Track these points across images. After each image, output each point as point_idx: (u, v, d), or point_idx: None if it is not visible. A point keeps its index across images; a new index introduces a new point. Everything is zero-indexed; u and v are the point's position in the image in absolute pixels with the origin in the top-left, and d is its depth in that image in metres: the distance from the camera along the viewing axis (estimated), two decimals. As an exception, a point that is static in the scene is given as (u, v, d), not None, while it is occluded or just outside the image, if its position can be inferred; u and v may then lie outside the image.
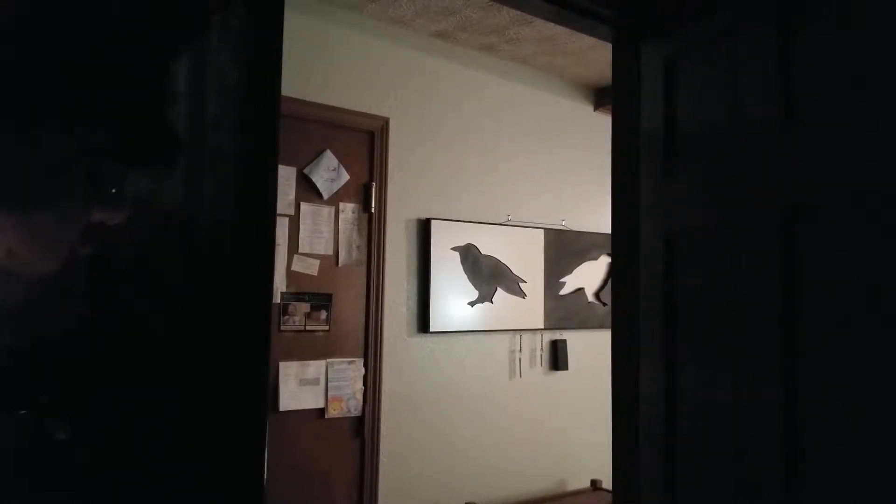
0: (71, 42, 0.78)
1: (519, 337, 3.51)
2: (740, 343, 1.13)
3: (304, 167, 2.83)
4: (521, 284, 3.49)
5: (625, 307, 1.48)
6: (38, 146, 0.80)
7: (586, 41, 3.16)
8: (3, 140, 0.77)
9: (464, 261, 3.26)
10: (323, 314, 2.83)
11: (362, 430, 2.92)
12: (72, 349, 0.87)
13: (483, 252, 3.34)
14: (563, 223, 3.72)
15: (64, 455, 0.86)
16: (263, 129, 0.98)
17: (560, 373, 3.66)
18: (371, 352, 2.95)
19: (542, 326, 3.58)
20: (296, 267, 2.78)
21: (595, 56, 3.41)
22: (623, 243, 1.49)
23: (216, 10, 0.94)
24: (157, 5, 0.87)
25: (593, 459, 3.70)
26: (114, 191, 0.85)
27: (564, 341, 3.68)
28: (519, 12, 2.74)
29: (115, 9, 0.83)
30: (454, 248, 3.24)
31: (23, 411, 0.84)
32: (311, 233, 2.83)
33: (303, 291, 2.79)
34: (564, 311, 3.68)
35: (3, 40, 0.74)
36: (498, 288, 3.39)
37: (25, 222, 0.83)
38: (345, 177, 2.92)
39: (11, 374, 0.84)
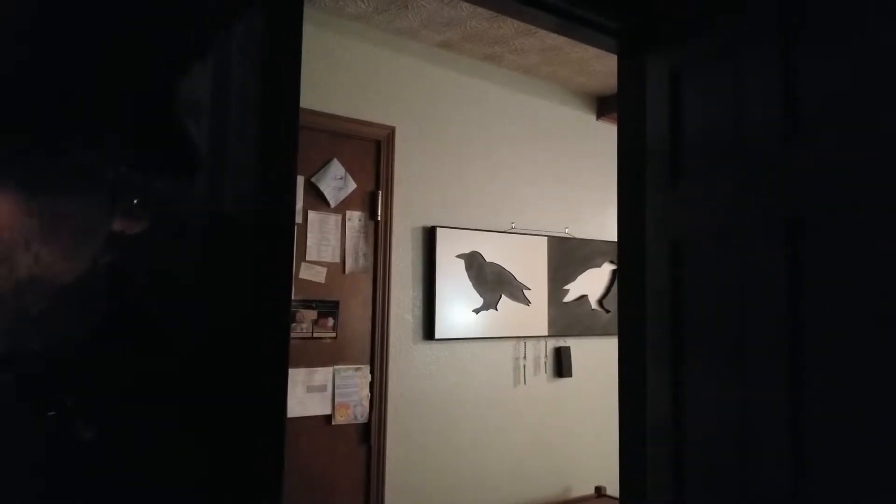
0: (95, 55, 0.81)
1: (523, 344, 3.53)
2: (747, 349, 1.15)
3: (312, 176, 2.86)
4: (525, 292, 3.51)
5: (631, 313, 1.50)
6: (64, 157, 0.83)
7: (589, 51, 3.20)
8: (32, 151, 0.80)
9: (468, 268, 3.29)
10: (330, 321, 2.85)
11: (368, 436, 2.94)
12: (96, 354, 0.89)
13: (487, 259, 3.37)
14: (567, 231, 3.75)
15: (87, 457, 0.89)
16: (283, 138, 1.01)
17: (564, 380, 3.68)
18: (377, 358, 2.98)
19: (546, 333, 3.60)
20: (303, 274, 2.81)
21: (598, 66, 3.45)
22: (629, 250, 1.51)
23: (233, 20, 0.97)
24: (179, 19, 0.90)
25: (597, 466, 3.72)
26: (136, 201, 0.88)
27: (568, 348, 3.69)
28: (522, 23, 2.78)
29: (138, 24, 0.85)
30: (459, 256, 3.27)
31: (51, 412, 0.86)
32: (319, 240, 2.86)
33: (310, 299, 2.81)
34: (568, 319, 3.70)
35: (30, 54, 0.77)
36: (502, 295, 3.42)
37: (52, 230, 0.86)
38: (351, 185, 2.96)
39: (39, 378, 0.86)
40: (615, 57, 1.66)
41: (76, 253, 0.88)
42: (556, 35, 2.89)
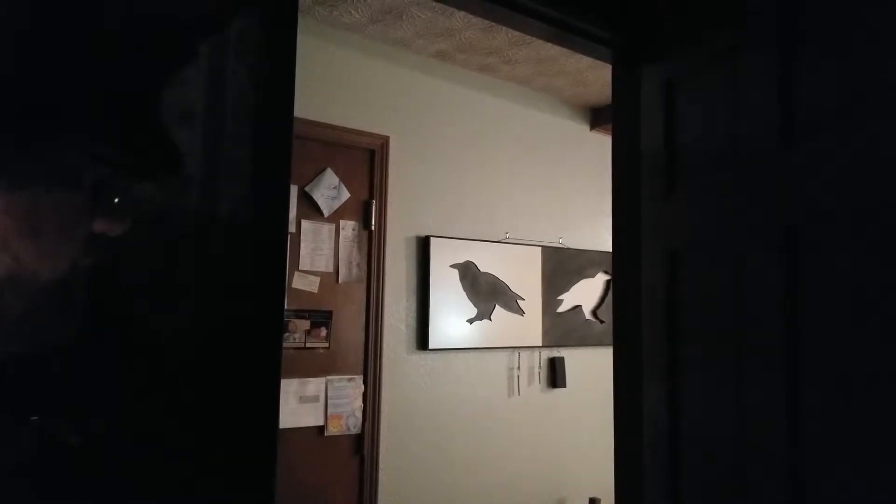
0: (79, 53, 0.79)
1: (517, 354, 3.52)
2: (744, 358, 1.14)
3: (306, 185, 2.86)
4: (519, 302, 3.50)
5: (626, 323, 1.50)
6: (43, 155, 0.81)
7: (583, 62, 3.22)
8: (10, 148, 0.79)
9: (463, 278, 3.28)
10: (323, 331, 2.84)
11: (362, 447, 2.92)
12: (80, 357, 0.87)
13: (482, 269, 3.36)
14: (561, 241, 3.75)
15: (72, 465, 0.87)
16: (277, 144, 1.00)
17: (558, 390, 3.67)
18: (371, 369, 2.96)
19: (540, 344, 3.59)
20: (296, 284, 2.79)
21: (592, 76, 3.46)
22: (624, 259, 1.51)
23: (226, 23, 0.96)
24: (169, 20, 0.89)
25: (592, 477, 3.70)
26: (117, 201, 0.86)
27: (562, 359, 3.69)
28: (517, 34, 2.80)
29: (125, 23, 0.84)
30: (453, 266, 3.26)
31: (34, 417, 0.84)
32: (312, 250, 2.85)
33: (303, 308, 2.80)
34: (562, 329, 3.69)
35: (11, 49, 0.76)
36: (496, 305, 3.41)
37: (31, 229, 0.84)
38: (345, 194, 2.95)
39: (20, 381, 0.84)
40: (609, 68, 1.67)
41: (57, 253, 0.86)
42: (550, 46, 2.90)
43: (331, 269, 2.90)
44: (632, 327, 1.46)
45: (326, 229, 2.89)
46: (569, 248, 3.77)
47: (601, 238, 3.90)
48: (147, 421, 0.92)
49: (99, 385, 0.88)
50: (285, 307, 2.73)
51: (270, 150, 1.02)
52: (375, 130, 3.06)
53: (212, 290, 0.97)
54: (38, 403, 0.85)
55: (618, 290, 1.55)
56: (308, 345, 2.79)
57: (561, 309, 3.71)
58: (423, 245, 3.18)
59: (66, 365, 0.86)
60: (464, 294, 3.28)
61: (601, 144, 3.88)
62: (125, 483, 0.90)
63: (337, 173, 2.93)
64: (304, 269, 2.82)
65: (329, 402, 2.83)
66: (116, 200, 0.85)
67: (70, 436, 0.86)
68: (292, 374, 2.74)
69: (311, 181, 2.87)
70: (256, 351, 1.01)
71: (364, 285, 2.98)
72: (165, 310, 0.94)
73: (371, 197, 3.04)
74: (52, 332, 0.86)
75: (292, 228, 2.80)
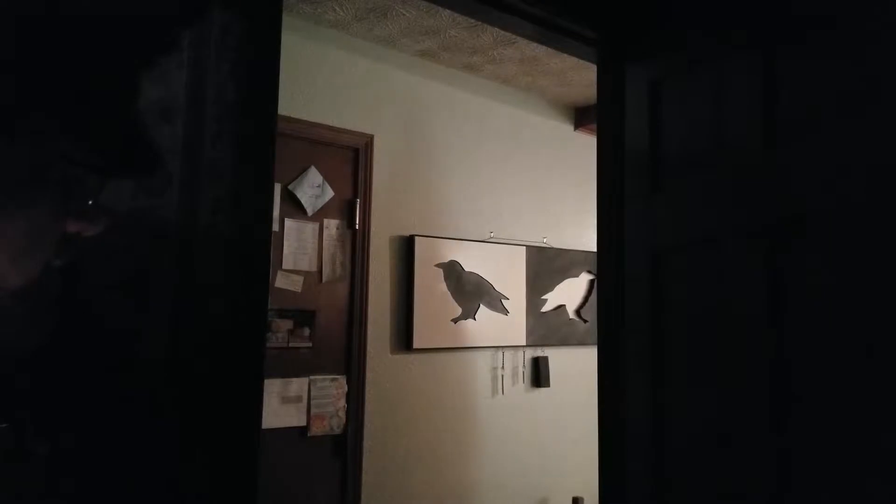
0: (49, 46, 0.76)
1: (501, 354, 3.52)
2: (728, 358, 1.15)
3: (289, 183, 2.83)
4: (503, 301, 3.51)
5: (611, 323, 1.50)
6: (9, 154, 0.78)
7: (568, 62, 3.22)
8: None
9: (447, 278, 3.27)
10: (306, 331, 2.81)
11: (345, 448, 2.90)
12: (52, 362, 0.85)
13: (466, 269, 3.35)
14: (545, 240, 3.76)
15: (44, 472, 0.85)
16: (261, 143, 0.99)
17: (542, 390, 3.67)
18: (354, 369, 2.94)
19: (524, 343, 3.59)
20: (279, 283, 2.77)
21: (576, 76, 3.47)
22: (609, 260, 1.51)
23: (209, 18, 0.94)
24: (147, 15, 0.87)
25: (575, 477, 3.71)
26: (91, 202, 0.83)
27: (546, 358, 3.69)
28: (502, 33, 2.80)
29: (98, 14, 0.81)
30: (437, 265, 3.25)
31: (4, 424, 0.82)
32: (295, 249, 2.83)
33: (286, 308, 2.77)
34: (546, 328, 3.70)
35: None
36: (480, 305, 3.41)
37: None
38: (329, 193, 2.93)
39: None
40: (593, 68, 1.67)
41: (26, 256, 0.82)
42: (535, 46, 2.90)
43: (314, 268, 2.87)
44: (616, 327, 1.47)
45: (310, 228, 2.87)
46: (553, 248, 3.78)
47: (585, 238, 3.91)
48: (123, 426, 0.90)
49: (71, 391, 0.86)
50: (268, 306, 2.70)
51: (253, 147, 1.00)
52: (359, 129, 3.04)
53: (192, 292, 0.95)
54: (7, 410, 0.82)
55: (602, 289, 1.55)
56: (291, 344, 2.77)
57: (545, 308, 3.71)
58: (408, 244, 3.17)
59: (36, 370, 0.84)
60: (448, 293, 3.27)
61: (585, 144, 3.89)
62: (98, 490, 0.88)
63: (321, 172, 2.91)
64: (288, 268, 2.80)
65: (312, 402, 2.81)
66: (90, 202, 0.82)
67: (39, 443, 0.83)
68: (274, 373, 2.72)
69: (294, 180, 2.84)
70: (238, 352, 0.99)
71: (348, 284, 2.97)
72: (142, 313, 0.92)
73: (355, 196, 3.02)
74: (23, 337, 0.83)
75: (275, 227, 2.77)
